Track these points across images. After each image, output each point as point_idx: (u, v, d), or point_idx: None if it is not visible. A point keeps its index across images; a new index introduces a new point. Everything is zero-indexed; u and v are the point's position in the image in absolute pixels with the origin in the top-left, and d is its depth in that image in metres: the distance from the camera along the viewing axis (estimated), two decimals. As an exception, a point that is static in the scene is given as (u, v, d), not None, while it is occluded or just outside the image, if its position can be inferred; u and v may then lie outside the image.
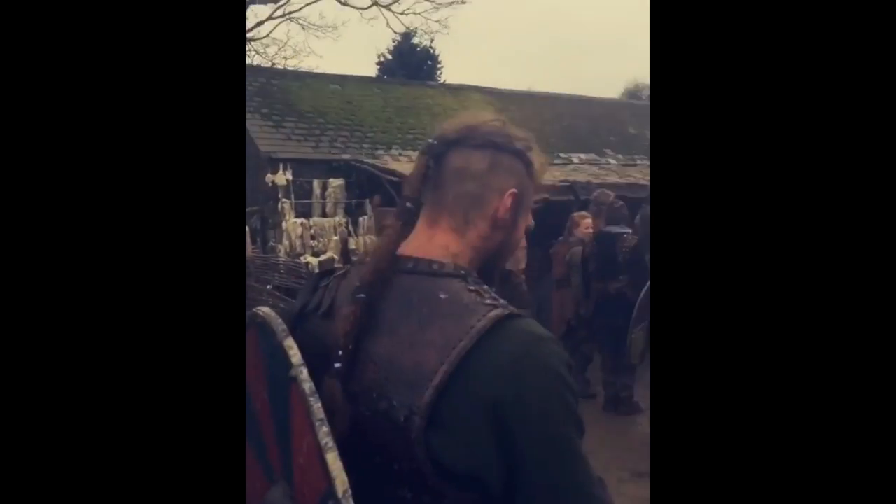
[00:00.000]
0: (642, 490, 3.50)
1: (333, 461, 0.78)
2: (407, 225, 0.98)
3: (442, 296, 0.89)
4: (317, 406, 0.82)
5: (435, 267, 0.92)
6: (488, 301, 0.88)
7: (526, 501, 0.84)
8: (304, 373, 0.84)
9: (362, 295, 0.91)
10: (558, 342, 0.90)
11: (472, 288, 0.90)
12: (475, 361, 0.83)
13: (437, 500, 0.84)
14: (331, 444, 0.79)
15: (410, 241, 0.97)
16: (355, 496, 0.78)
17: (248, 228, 7.58)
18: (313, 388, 0.83)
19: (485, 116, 1.02)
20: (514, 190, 0.97)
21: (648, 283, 4.25)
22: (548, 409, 0.83)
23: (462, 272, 0.93)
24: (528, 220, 1.02)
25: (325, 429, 0.80)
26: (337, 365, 0.88)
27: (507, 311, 0.87)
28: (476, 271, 0.95)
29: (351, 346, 0.88)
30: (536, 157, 1.02)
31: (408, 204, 0.98)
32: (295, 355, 0.86)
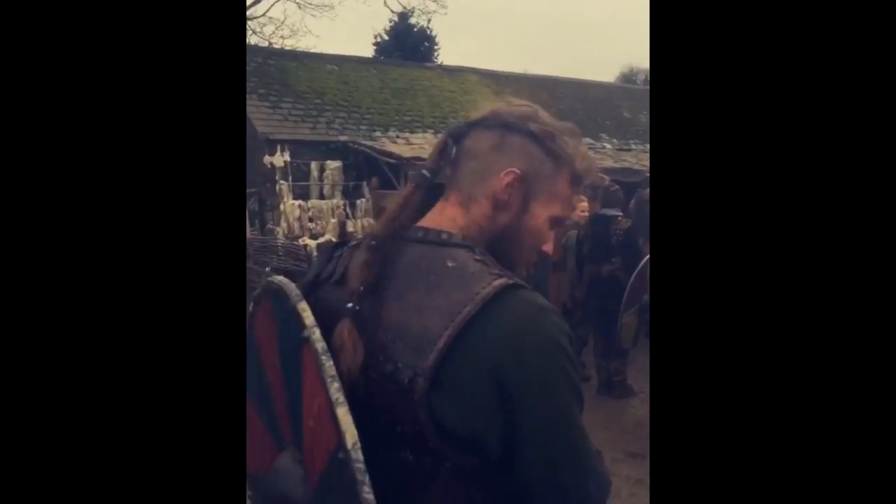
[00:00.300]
0: (636, 470, 3.59)
1: (344, 415, 0.81)
2: (420, 188, 1.00)
3: (450, 264, 0.91)
4: (329, 364, 0.84)
5: (444, 237, 0.95)
6: (494, 271, 0.90)
7: (524, 468, 0.86)
8: (316, 332, 0.87)
9: (374, 242, 0.94)
10: (559, 314, 0.91)
11: (478, 258, 0.92)
12: (478, 327, 0.85)
13: (438, 463, 0.86)
14: (342, 399, 0.82)
15: (426, 216, 1.00)
16: None
17: (246, 210, 7.60)
18: (325, 347, 0.86)
19: (517, 102, 1.02)
20: (512, 170, 0.96)
21: (639, 267, 4.34)
22: (548, 379, 0.85)
23: (469, 243, 0.94)
24: (552, 210, 0.99)
25: (336, 385, 0.83)
26: (349, 304, 0.91)
27: (511, 281, 0.88)
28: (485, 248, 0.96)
29: (363, 289, 0.92)
30: (569, 146, 0.99)
31: (424, 171, 1.01)
32: (308, 317, 0.89)
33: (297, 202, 8.79)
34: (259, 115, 9.47)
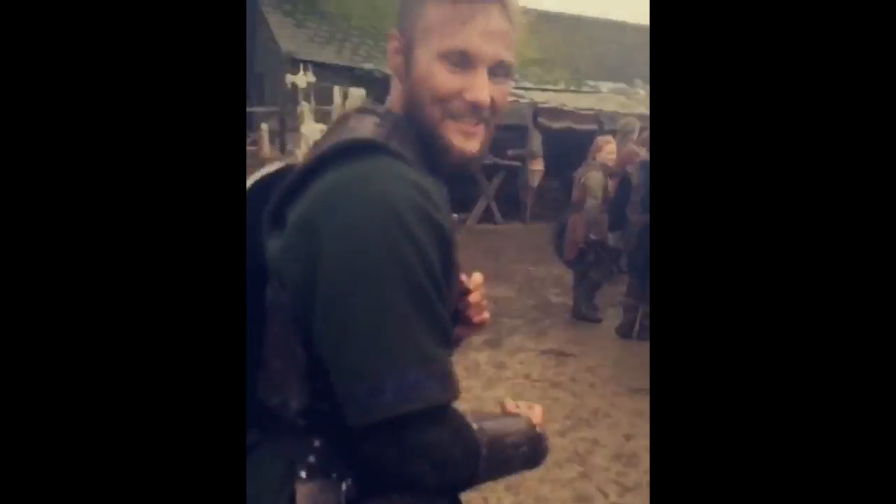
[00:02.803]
0: (638, 404, 3.65)
1: None
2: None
3: (351, 124, 0.88)
4: None
5: (378, 109, 0.92)
6: (375, 133, 0.83)
7: (316, 335, 0.78)
8: None
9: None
10: (421, 190, 0.78)
11: (377, 123, 0.86)
12: (320, 176, 0.80)
13: (279, 301, 0.84)
14: None
15: None
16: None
17: (265, 128, 7.49)
18: None
19: None
20: (390, 34, 0.90)
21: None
22: (363, 237, 0.75)
23: (383, 112, 0.89)
24: (433, 46, 0.85)
25: None
26: None
27: (377, 141, 0.81)
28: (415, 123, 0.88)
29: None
30: None
31: None
32: None
33: (318, 126, 8.64)
34: (283, 32, 9.24)
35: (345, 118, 0.91)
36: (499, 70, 0.86)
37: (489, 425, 0.89)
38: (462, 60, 0.84)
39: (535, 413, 0.99)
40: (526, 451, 0.93)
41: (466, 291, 0.96)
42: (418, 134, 0.87)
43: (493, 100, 0.85)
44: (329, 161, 0.80)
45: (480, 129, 0.87)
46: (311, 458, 0.81)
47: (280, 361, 0.83)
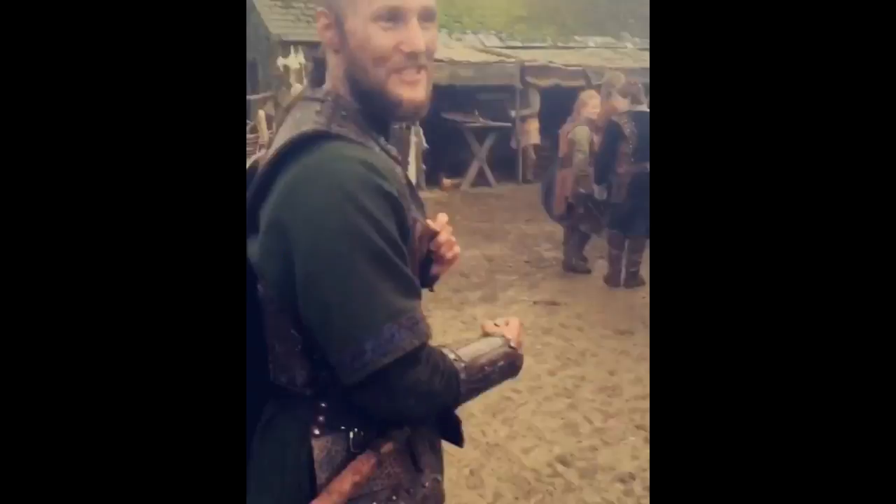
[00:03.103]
0: (622, 343, 4.00)
1: None
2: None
3: (297, 114, 0.95)
4: None
5: (317, 94, 0.98)
6: (320, 120, 0.90)
7: (303, 310, 0.88)
8: None
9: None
10: (370, 167, 0.86)
11: (318, 109, 0.93)
12: (277, 178, 0.89)
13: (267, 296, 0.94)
14: None
15: None
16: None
17: (262, 114, 7.62)
18: None
19: None
20: (318, 10, 0.95)
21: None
22: (323, 225, 0.83)
23: (323, 97, 0.95)
24: (364, 10, 0.90)
25: None
26: None
27: (321, 129, 0.88)
28: (358, 99, 0.94)
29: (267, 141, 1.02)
30: None
31: None
32: None
33: (313, 105, 8.69)
34: (271, 16, 9.23)
35: (289, 108, 1.00)
36: (426, 16, 0.92)
37: (465, 351, 1.00)
38: (394, 16, 0.89)
39: (511, 328, 1.10)
40: (503, 366, 1.05)
41: (434, 234, 1.04)
42: (362, 101, 0.94)
43: (426, 46, 0.92)
44: (282, 158, 0.89)
45: (423, 76, 0.93)
46: (321, 418, 0.94)
47: (281, 345, 0.94)
